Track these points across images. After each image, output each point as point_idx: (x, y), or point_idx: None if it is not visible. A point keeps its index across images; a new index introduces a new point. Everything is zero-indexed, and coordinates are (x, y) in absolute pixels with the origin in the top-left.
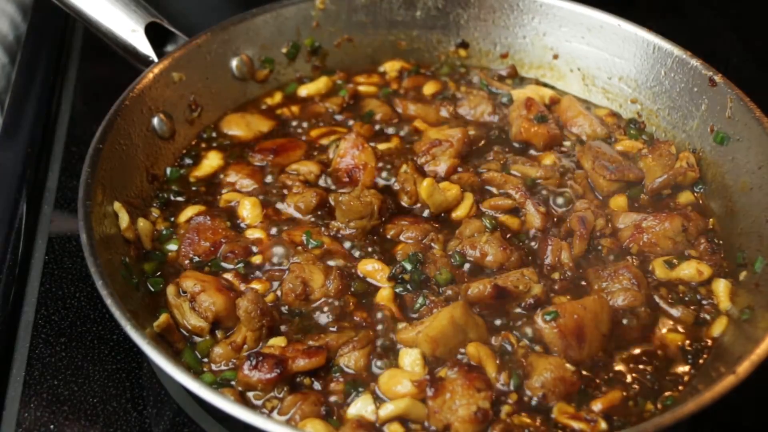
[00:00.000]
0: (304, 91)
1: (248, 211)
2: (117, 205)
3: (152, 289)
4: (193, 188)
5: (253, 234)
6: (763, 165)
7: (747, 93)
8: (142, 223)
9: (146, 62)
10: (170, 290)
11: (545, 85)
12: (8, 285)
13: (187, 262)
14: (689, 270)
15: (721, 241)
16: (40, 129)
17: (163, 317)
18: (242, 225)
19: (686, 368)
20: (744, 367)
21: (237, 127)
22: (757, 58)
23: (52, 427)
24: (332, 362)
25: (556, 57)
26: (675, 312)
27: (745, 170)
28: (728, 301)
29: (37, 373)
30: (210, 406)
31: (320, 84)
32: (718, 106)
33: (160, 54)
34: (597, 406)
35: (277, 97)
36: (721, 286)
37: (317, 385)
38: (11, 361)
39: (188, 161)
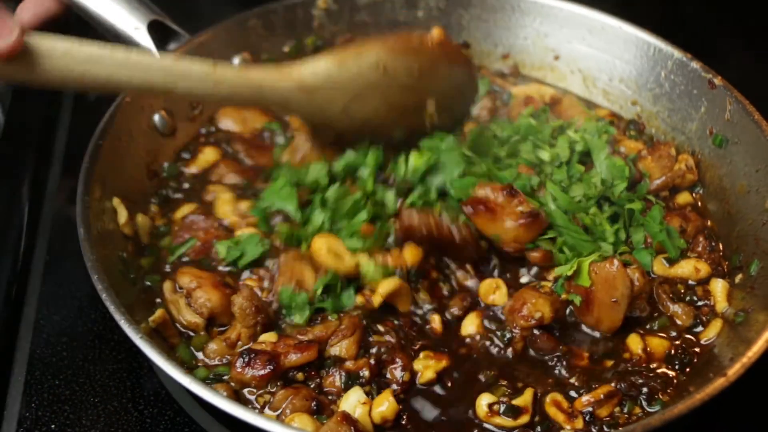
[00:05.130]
0: None
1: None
2: (116, 201)
3: (149, 285)
4: (188, 185)
5: (245, 232)
6: (760, 168)
7: (746, 95)
8: (140, 218)
9: None
10: (167, 286)
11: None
12: (9, 285)
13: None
14: (687, 268)
15: (719, 242)
16: (40, 129)
17: (159, 312)
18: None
19: (677, 370)
20: (735, 370)
21: (232, 121)
22: (758, 59)
23: (53, 426)
24: (325, 353)
25: (557, 58)
26: (674, 311)
27: (743, 173)
28: (725, 302)
29: (38, 373)
30: (206, 404)
31: None
32: (717, 109)
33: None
34: (586, 398)
35: None
36: (719, 287)
37: (310, 380)
38: (12, 360)
39: (186, 157)
